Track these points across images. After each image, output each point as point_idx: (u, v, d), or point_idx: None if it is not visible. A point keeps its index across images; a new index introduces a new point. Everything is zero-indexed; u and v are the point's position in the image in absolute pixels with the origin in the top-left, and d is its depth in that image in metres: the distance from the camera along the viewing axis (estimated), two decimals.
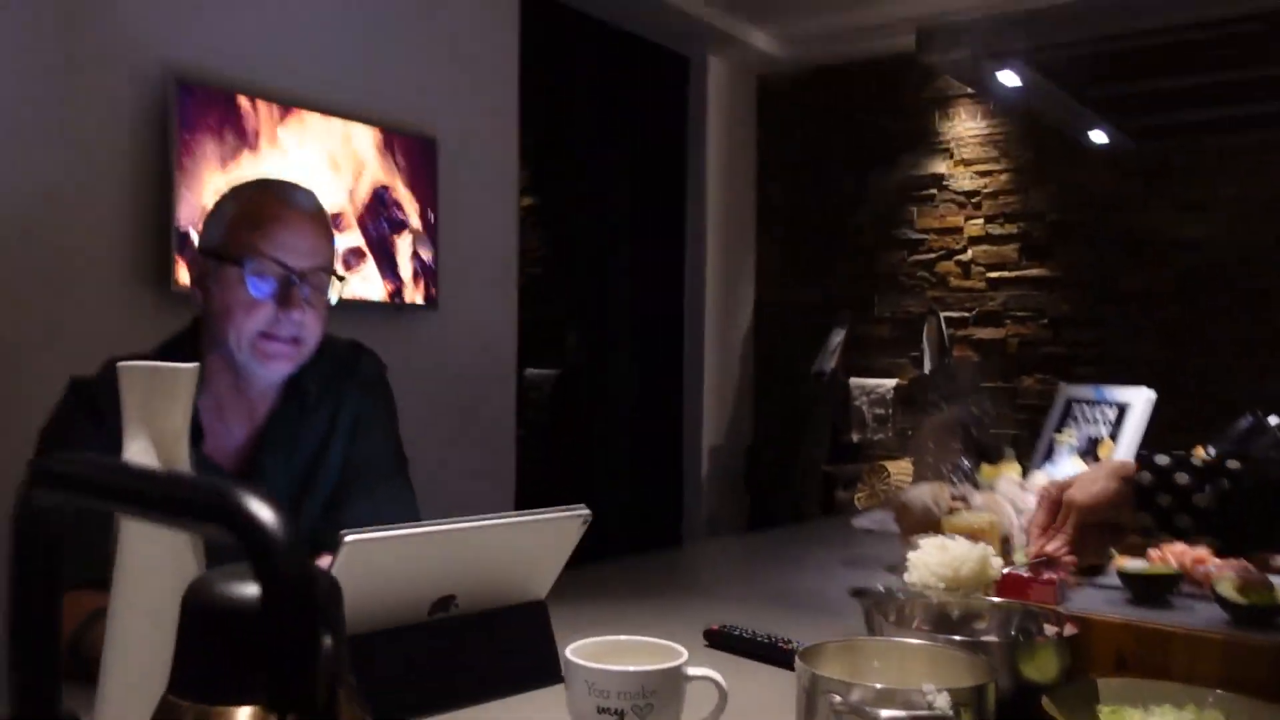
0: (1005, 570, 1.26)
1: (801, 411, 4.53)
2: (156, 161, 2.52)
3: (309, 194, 1.40)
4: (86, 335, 2.36)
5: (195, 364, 0.83)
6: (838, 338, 4.52)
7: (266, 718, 0.43)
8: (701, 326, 4.66)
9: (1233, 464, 1.16)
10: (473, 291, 3.41)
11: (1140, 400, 2.50)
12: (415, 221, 3.14)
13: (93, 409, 1.26)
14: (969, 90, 3.91)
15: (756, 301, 4.97)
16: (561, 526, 1.10)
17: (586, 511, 1.10)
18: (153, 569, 0.79)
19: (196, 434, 1.20)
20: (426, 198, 3.17)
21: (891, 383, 4.49)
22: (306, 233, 1.33)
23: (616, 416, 4.85)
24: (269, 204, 1.34)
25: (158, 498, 0.45)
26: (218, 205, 1.38)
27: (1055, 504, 1.25)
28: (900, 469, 4.27)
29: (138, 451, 0.80)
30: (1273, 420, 2.37)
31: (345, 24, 3.01)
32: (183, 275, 2.51)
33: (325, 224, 1.39)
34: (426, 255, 3.18)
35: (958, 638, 1.03)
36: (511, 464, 3.64)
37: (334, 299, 1.39)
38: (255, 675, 0.46)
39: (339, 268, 1.41)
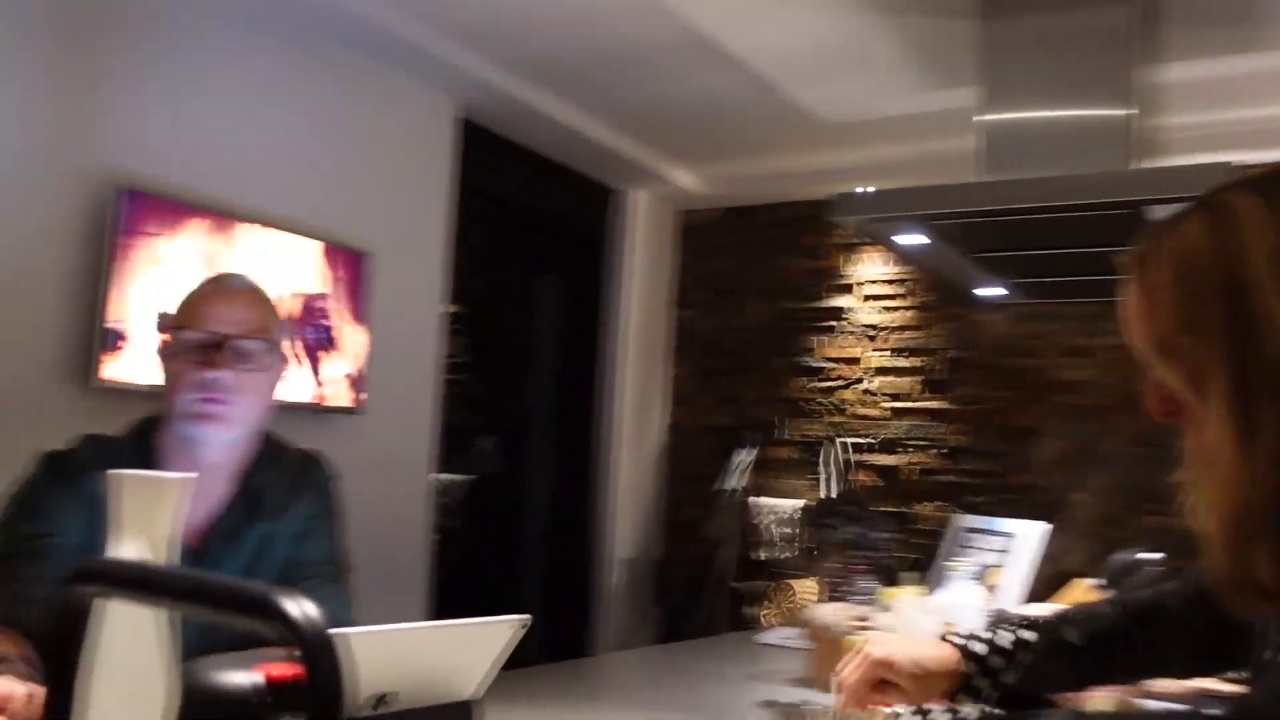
0: None
1: (711, 529, 4.67)
2: (93, 263, 2.61)
3: (243, 277, 1.60)
4: (8, 426, 2.41)
5: (194, 475, 0.94)
6: (742, 457, 4.69)
7: None
8: (616, 443, 4.80)
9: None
10: (396, 397, 3.53)
11: (1031, 533, 2.68)
12: (345, 329, 3.26)
13: (67, 478, 1.38)
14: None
15: (670, 422, 5.15)
16: (499, 631, 1.20)
17: (526, 617, 1.21)
18: (134, 652, 0.88)
19: None
20: (357, 307, 3.30)
21: (798, 503, 4.65)
22: (235, 304, 1.49)
23: (530, 526, 4.92)
24: (207, 285, 1.53)
25: (212, 597, 0.57)
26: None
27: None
28: (805, 587, 4.41)
29: (130, 553, 0.90)
30: (1147, 556, 2.57)
31: (286, 142, 3.17)
32: (106, 371, 2.59)
33: (257, 299, 1.54)
34: (354, 361, 3.29)
35: None
36: (422, 568, 3.71)
37: (282, 373, 1.53)
38: None
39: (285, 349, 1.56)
